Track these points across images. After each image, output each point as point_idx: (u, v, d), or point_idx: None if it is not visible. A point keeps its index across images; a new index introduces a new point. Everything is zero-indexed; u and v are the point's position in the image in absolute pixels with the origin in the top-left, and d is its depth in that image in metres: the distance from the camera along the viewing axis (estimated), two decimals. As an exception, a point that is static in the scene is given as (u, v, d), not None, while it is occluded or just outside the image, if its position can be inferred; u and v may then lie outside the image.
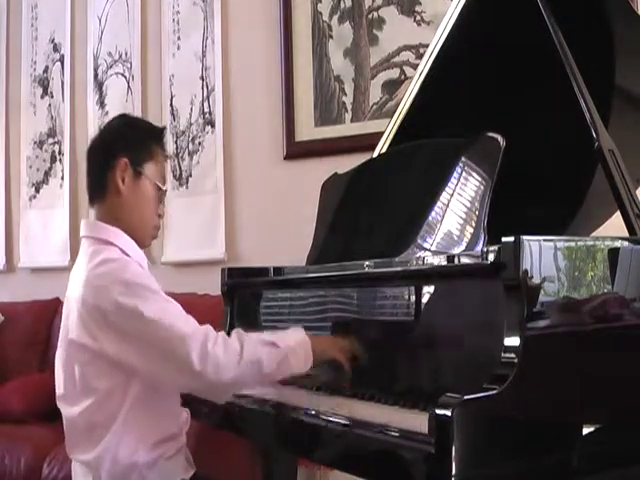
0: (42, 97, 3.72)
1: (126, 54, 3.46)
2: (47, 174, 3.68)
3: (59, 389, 1.59)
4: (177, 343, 1.41)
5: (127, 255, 1.56)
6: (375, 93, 2.87)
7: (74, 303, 1.53)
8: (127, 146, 1.61)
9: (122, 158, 1.59)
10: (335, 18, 2.96)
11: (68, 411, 1.56)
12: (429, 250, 1.54)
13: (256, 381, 1.50)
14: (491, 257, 1.24)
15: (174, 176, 3.20)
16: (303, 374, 1.51)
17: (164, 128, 1.74)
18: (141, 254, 1.62)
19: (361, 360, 1.54)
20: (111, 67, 3.50)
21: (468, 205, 1.52)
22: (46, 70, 3.71)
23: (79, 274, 1.54)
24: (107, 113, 3.49)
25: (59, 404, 1.59)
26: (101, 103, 3.52)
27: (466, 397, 1.12)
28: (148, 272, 1.58)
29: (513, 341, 1.17)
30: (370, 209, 1.77)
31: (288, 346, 1.48)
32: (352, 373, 1.54)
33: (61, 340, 1.60)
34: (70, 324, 1.55)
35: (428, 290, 1.43)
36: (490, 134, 1.52)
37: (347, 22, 2.94)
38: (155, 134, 1.70)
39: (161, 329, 1.43)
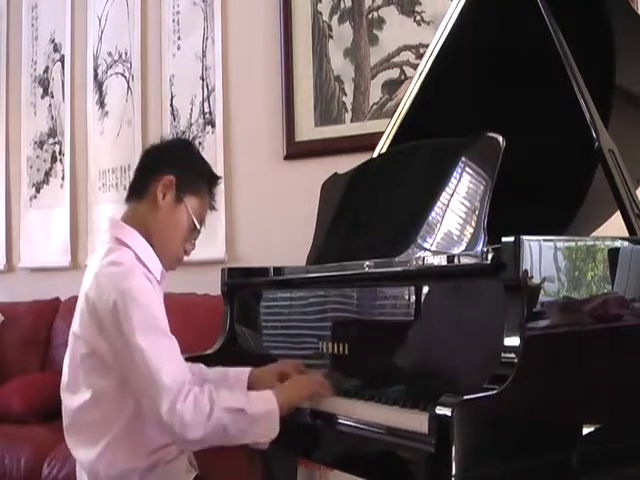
0: (42, 97, 3.72)
1: (126, 54, 3.46)
2: (47, 174, 3.68)
3: (64, 377, 1.60)
4: (151, 389, 1.40)
5: (140, 260, 1.54)
6: (375, 93, 2.87)
7: (82, 296, 1.54)
8: (180, 168, 1.62)
9: (170, 175, 1.59)
10: (335, 18, 2.96)
11: (69, 401, 1.57)
12: (429, 250, 1.54)
13: (220, 442, 1.46)
14: (491, 257, 1.24)
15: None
16: (265, 443, 1.49)
17: (220, 177, 1.73)
18: (156, 262, 1.59)
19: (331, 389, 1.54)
20: (111, 67, 3.50)
21: (468, 205, 1.52)
22: (46, 70, 3.71)
23: (91, 268, 1.55)
24: (107, 113, 3.50)
25: (62, 394, 1.60)
26: (101, 103, 3.52)
27: (466, 397, 1.12)
28: (154, 284, 1.55)
29: (513, 341, 1.17)
30: (370, 209, 1.77)
31: (256, 415, 1.45)
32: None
33: (71, 328, 1.60)
34: (76, 314, 1.56)
35: (428, 290, 1.43)
36: (490, 134, 1.52)
37: (347, 22, 2.94)
38: (210, 177, 1.70)
39: (143, 365, 1.41)
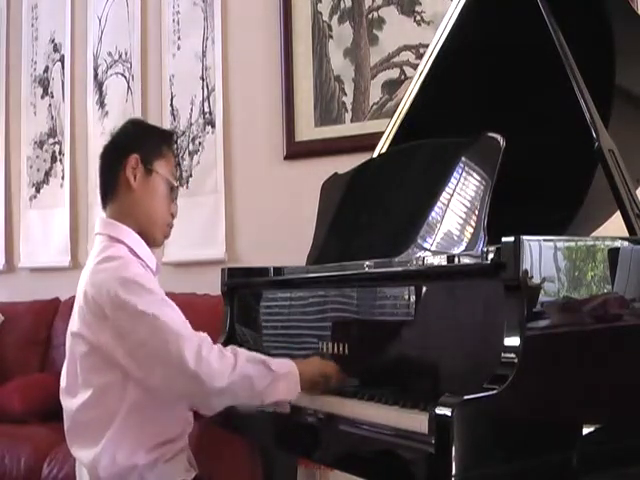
0: (42, 97, 3.71)
1: (126, 54, 3.46)
2: (47, 174, 3.67)
3: (62, 381, 1.60)
4: (172, 342, 1.41)
5: (135, 254, 1.58)
6: (375, 93, 2.87)
7: (79, 295, 1.55)
8: (138, 144, 1.65)
9: (133, 155, 1.62)
10: (335, 18, 2.96)
11: (68, 403, 1.57)
12: (429, 250, 1.54)
13: (246, 396, 1.48)
14: (491, 257, 1.24)
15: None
16: (287, 402, 1.51)
17: (173, 132, 1.78)
18: (150, 254, 1.63)
19: (341, 382, 1.55)
20: (111, 67, 3.50)
21: (468, 205, 1.52)
22: (46, 70, 3.71)
23: (87, 268, 1.58)
24: (107, 113, 3.49)
25: (61, 396, 1.60)
26: (101, 103, 3.52)
27: (466, 397, 1.12)
28: (150, 274, 1.58)
29: (513, 341, 1.17)
30: (370, 209, 1.77)
31: (280, 371, 1.49)
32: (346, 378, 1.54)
33: (68, 330, 1.61)
34: (73, 316, 1.57)
35: (428, 290, 1.43)
36: (490, 134, 1.52)
37: (347, 22, 2.94)
38: (165, 136, 1.74)
39: (156, 327, 1.43)
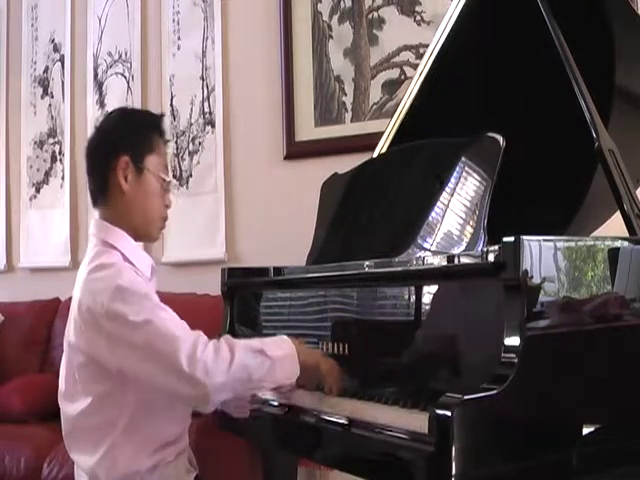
0: (42, 97, 3.71)
1: (126, 54, 3.46)
2: (47, 174, 3.67)
3: (61, 385, 1.59)
4: (166, 345, 1.39)
5: (128, 260, 1.54)
6: (375, 93, 2.87)
7: (74, 305, 1.53)
8: (126, 143, 1.58)
9: (122, 156, 1.56)
10: (335, 18, 2.96)
11: (68, 408, 1.56)
12: (429, 250, 1.54)
13: (244, 388, 1.47)
14: (491, 257, 1.24)
15: (174, 176, 3.20)
16: (288, 385, 1.50)
17: (162, 115, 1.69)
18: (144, 259, 1.59)
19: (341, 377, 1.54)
20: (111, 67, 3.50)
21: (468, 205, 1.52)
22: (46, 70, 3.71)
23: (80, 275, 1.54)
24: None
25: (60, 400, 1.59)
26: (101, 103, 3.52)
27: (466, 397, 1.12)
28: (143, 280, 1.54)
29: (513, 341, 1.17)
30: (370, 209, 1.77)
31: (276, 355, 1.46)
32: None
33: (65, 337, 1.59)
34: (69, 324, 1.55)
35: (428, 290, 1.43)
36: (490, 134, 1.52)
37: (347, 22, 2.94)
38: (153, 123, 1.65)
39: (150, 331, 1.40)
